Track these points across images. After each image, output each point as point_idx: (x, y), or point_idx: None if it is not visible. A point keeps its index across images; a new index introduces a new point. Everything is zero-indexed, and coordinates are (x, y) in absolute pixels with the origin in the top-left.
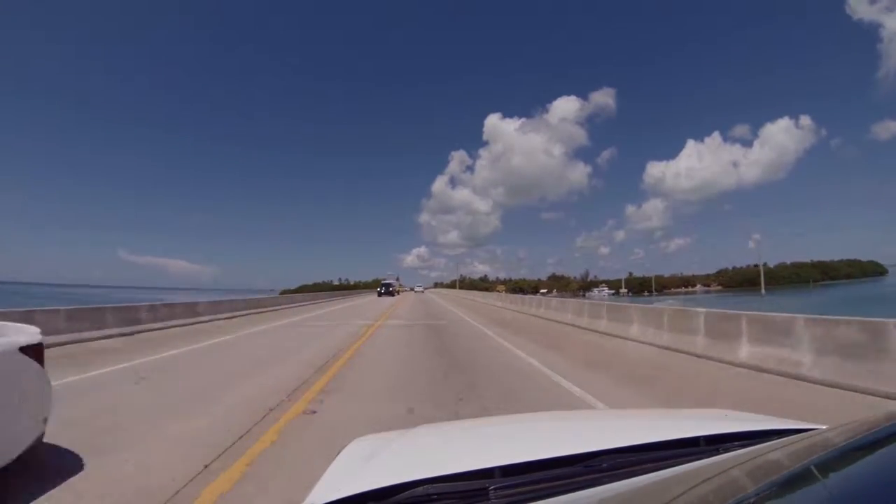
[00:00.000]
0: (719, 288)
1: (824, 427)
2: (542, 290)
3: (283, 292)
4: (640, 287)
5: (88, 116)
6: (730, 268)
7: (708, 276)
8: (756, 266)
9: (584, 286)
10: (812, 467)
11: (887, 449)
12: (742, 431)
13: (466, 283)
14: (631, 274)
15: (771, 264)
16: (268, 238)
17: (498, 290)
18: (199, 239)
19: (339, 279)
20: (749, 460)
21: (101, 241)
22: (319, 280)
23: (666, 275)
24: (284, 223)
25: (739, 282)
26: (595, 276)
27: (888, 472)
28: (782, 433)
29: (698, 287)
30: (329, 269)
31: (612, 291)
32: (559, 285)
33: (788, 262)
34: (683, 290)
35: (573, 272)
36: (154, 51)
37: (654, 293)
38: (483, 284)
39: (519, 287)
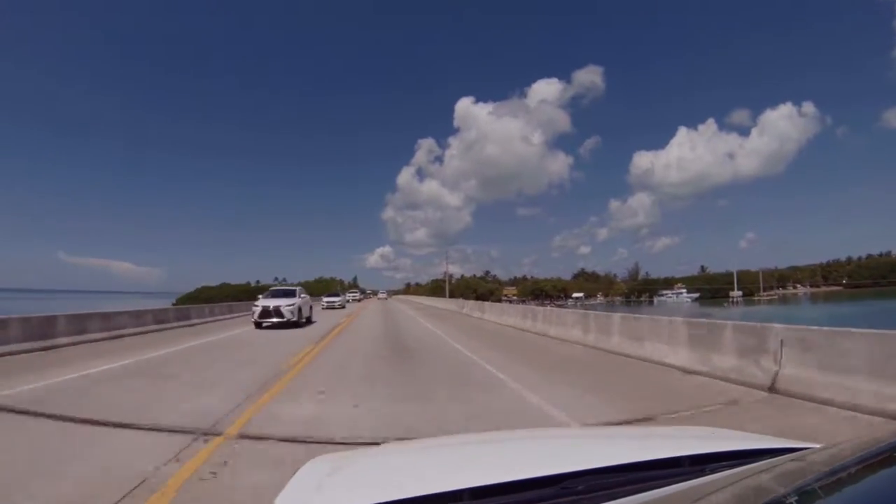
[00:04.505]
0: (837, 287)
1: (817, 446)
2: (576, 295)
3: (182, 300)
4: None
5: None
6: (843, 259)
7: (812, 268)
8: (882, 256)
9: (639, 288)
10: (804, 489)
11: (882, 470)
12: (730, 451)
13: (458, 286)
14: (704, 269)
15: (772, 265)
16: (215, 235)
17: (506, 296)
18: (144, 239)
19: (275, 278)
20: (736, 482)
21: (38, 241)
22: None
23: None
24: (233, 217)
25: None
26: (647, 273)
27: (883, 493)
28: (773, 452)
29: (799, 288)
30: (281, 267)
31: (696, 294)
32: (599, 287)
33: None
34: (780, 290)
35: (573, 268)
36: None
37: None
38: (486, 285)
39: (541, 290)
